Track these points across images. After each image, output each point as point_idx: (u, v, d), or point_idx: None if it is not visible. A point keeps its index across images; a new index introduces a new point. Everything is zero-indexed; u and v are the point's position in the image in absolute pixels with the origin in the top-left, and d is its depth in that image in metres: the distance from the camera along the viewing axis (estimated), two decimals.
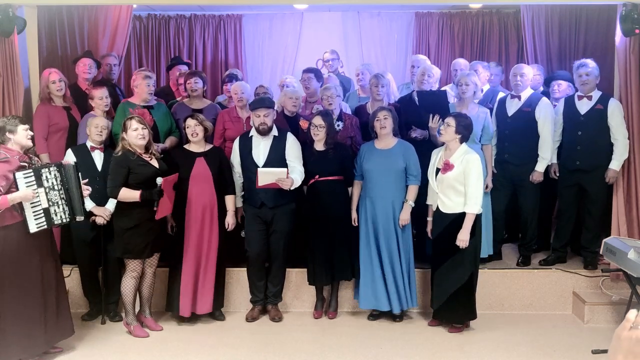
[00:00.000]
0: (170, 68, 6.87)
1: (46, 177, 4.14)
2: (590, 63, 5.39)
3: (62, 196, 4.19)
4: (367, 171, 5.04)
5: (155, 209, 4.63)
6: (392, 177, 5.00)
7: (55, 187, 4.17)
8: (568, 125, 5.50)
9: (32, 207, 4.08)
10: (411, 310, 5.27)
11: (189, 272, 4.98)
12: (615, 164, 5.33)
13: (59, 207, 4.18)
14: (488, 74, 6.36)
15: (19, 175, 4.03)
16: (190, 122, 4.99)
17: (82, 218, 4.37)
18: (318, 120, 5.04)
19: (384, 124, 4.98)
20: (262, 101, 5.08)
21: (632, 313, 1.31)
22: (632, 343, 1.28)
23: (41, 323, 4.24)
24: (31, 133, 4.24)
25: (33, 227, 4.09)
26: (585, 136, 5.38)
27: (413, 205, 5.00)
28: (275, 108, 5.27)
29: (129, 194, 4.63)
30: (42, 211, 4.12)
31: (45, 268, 4.26)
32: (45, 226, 4.15)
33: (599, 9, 6.37)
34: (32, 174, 4.09)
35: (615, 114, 5.31)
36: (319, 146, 5.10)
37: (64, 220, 4.25)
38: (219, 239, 5.05)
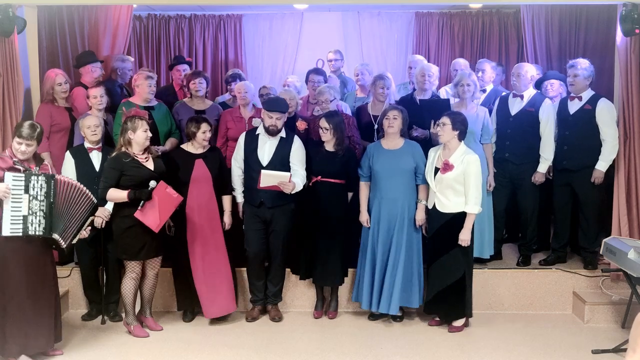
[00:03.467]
0: (172, 67, 6.87)
1: (33, 185, 4.10)
2: (581, 64, 5.38)
3: (41, 208, 4.12)
4: (376, 172, 5.02)
5: (139, 208, 4.57)
6: (401, 178, 4.98)
7: (38, 198, 4.11)
8: (559, 126, 5.51)
9: (11, 211, 4.05)
10: (411, 310, 5.26)
11: (202, 275, 4.99)
12: (602, 165, 5.33)
13: (36, 218, 4.10)
14: (494, 74, 6.34)
15: (8, 175, 4.04)
16: (207, 127, 4.98)
17: (58, 237, 4.21)
18: (323, 123, 5.04)
19: (392, 123, 4.97)
20: (278, 104, 5.03)
21: None
22: None
23: (26, 328, 4.21)
24: (22, 149, 4.15)
25: (6, 231, 4.05)
26: (572, 136, 5.39)
27: (426, 204, 4.99)
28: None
29: (117, 194, 4.60)
30: (21, 217, 4.07)
31: (32, 274, 4.21)
32: (20, 233, 4.09)
33: (599, 8, 6.37)
34: (22, 178, 4.08)
35: (602, 114, 5.30)
36: (329, 147, 5.10)
37: (37, 232, 4.13)
38: (224, 239, 5.08)
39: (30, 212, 4.08)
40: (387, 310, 5.00)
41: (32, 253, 4.20)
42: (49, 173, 4.26)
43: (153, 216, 4.59)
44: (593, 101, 5.36)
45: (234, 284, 5.17)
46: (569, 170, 5.43)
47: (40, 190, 4.12)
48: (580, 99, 5.41)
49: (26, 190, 4.08)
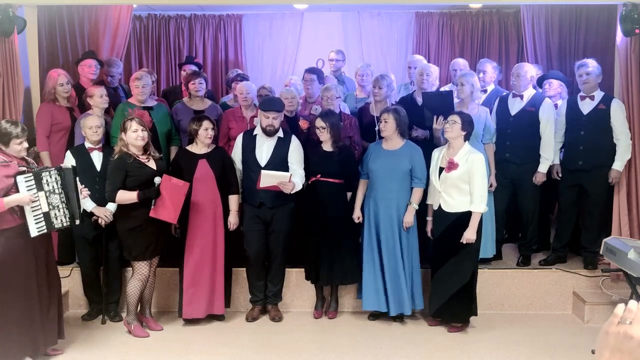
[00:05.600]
0: (181, 66, 6.87)
1: (47, 180, 4.10)
2: (591, 63, 5.39)
3: (62, 199, 4.16)
4: (372, 171, 5.03)
5: (152, 207, 4.61)
6: (396, 179, 4.98)
7: (56, 191, 4.13)
8: (570, 126, 5.48)
9: (32, 211, 4.05)
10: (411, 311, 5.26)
11: (191, 274, 4.97)
12: (618, 165, 5.32)
13: (59, 211, 4.14)
14: (495, 74, 6.33)
15: (20, 178, 4.02)
16: (209, 124, 4.96)
17: (79, 222, 4.36)
18: (319, 122, 5.04)
19: (384, 126, 4.98)
20: (273, 103, 5.05)
21: (619, 308, 1.31)
22: (619, 339, 1.27)
23: (32, 327, 4.20)
24: (23, 147, 4.14)
25: (34, 231, 4.06)
26: (588, 136, 5.37)
27: (417, 207, 4.99)
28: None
29: (126, 196, 4.62)
30: (42, 215, 4.09)
31: (40, 273, 4.22)
32: (45, 230, 4.12)
33: (599, 9, 6.38)
34: (32, 177, 4.06)
35: (617, 114, 5.30)
36: (326, 146, 5.10)
37: (64, 224, 4.22)
38: (225, 240, 5.06)
39: (51, 207, 4.11)
40: (408, 310, 4.98)
41: (33, 253, 4.19)
42: (55, 166, 4.26)
43: (167, 210, 4.63)
44: (606, 101, 5.35)
45: (229, 285, 5.12)
46: (583, 170, 5.40)
47: (56, 183, 4.14)
48: (592, 98, 5.39)
49: (40, 188, 4.07)
